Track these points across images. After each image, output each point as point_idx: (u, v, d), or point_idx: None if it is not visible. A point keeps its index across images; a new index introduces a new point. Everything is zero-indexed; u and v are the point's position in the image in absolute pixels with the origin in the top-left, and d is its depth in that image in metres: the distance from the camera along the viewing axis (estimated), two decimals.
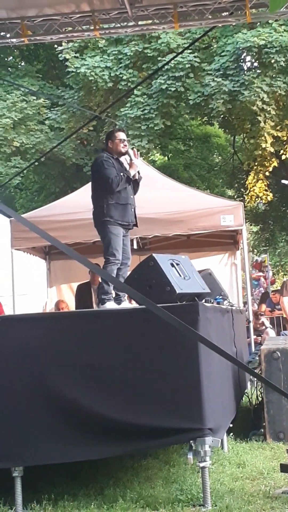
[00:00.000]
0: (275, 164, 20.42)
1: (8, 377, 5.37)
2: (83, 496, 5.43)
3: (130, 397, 5.23)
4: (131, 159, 7.78)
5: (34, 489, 5.51)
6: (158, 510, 5.02)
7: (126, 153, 7.79)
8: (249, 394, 8.47)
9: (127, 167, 7.81)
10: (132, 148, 8.24)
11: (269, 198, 21.19)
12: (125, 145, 7.84)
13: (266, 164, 19.82)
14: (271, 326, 14.04)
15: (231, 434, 7.23)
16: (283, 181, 21.70)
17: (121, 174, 7.58)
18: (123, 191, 7.60)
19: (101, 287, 7.48)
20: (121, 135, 7.87)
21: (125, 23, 9.95)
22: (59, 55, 19.63)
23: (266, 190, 20.86)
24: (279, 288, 19.51)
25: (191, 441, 5.11)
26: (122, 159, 7.88)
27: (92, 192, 7.77)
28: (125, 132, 8.26)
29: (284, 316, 12.71)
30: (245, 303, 13.57)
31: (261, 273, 29.38)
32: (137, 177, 7.81)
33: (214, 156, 27.47)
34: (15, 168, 20.36)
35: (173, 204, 10.85)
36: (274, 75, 17.61)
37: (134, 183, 7.84)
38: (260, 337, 12.23)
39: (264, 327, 13.23)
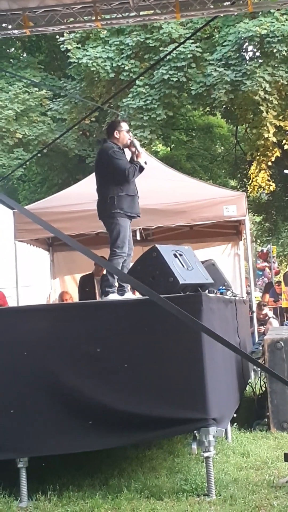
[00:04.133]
0: (278, 154, 20.36)
1: (13, 369, 5.39)
2: (88, 487, 5.46)
3: (134, 387, 5.24)
4: (136, 149, 7.56)
5: (39, 480, 5.53)
6: (162, 500, 5.04)
7: (131, 143, 7.64)
8: (252, 384, 8.48)
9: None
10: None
11: (271, 188, 21.14)
12: (130, 136, 7.73)
13: (269, 154, 19.77)
14: (274, 316, 14.07)
15: (235, 424, 7.25)
16: (286, 171, 21.62)
17: (134, 164, 7.41)
18: (132, 182, 7.44)
19: (106, 280, 7.40)
20: (126, 126, 7.75)
21: (127, 14, 9.91)
22: (61, 46, 19.57)
23: (268, 180, 20.81)
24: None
25: (195, 431, 5.14)
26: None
27: (99, 184, 7.53)
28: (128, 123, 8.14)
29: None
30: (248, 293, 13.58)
31: (266, 263, 29.37)
32: (144, 167, 7.66)
33: (217, 146, 27.41)
34: (18, 159, 20.38)
35: (176, 195, 10.83)
36: (276, 65, 17.59)
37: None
38: (263, 327, 12.24)
39: (267, 318, 13.25)
